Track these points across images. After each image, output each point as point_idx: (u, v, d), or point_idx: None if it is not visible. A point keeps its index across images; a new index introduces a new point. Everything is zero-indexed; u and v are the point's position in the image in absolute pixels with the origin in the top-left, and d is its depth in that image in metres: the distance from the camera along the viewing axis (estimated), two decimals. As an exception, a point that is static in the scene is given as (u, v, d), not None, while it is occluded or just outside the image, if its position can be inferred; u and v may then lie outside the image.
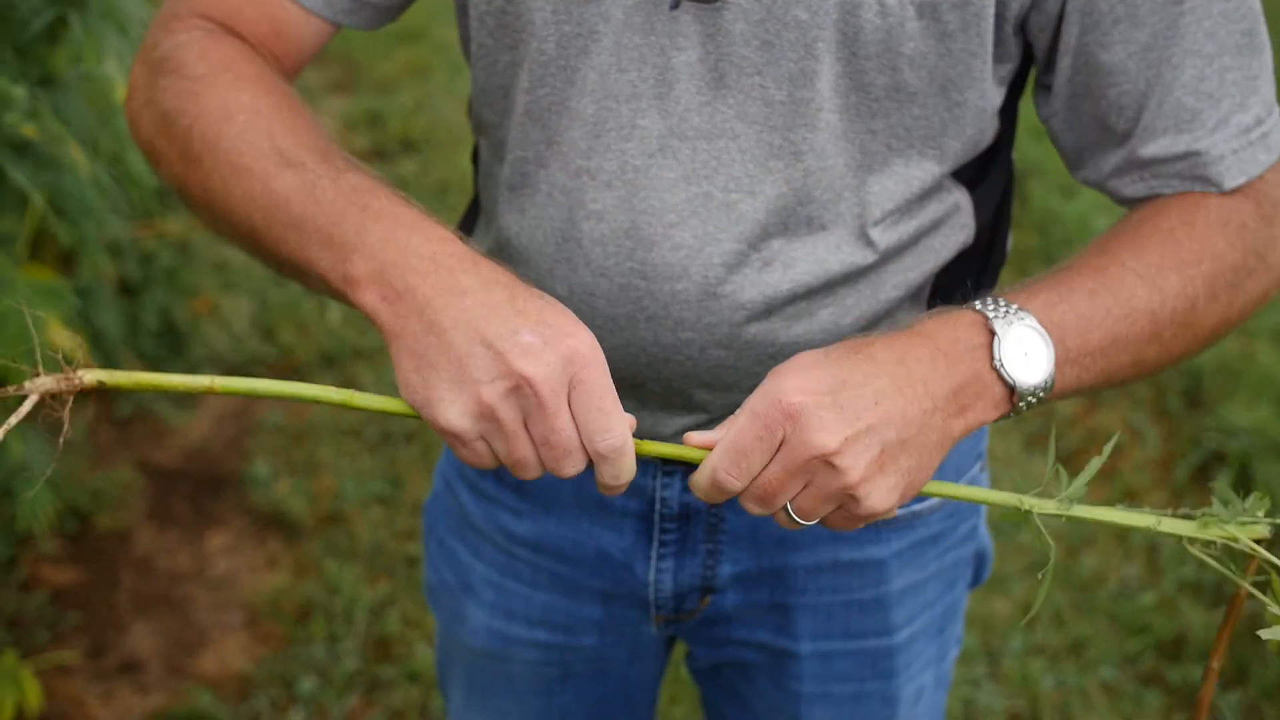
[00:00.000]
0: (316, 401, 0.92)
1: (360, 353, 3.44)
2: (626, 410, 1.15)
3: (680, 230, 1.05)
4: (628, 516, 1.22)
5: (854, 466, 0.90)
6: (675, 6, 1.00)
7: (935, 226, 1.12)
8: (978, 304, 0.97)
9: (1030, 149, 3.81)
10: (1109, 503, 3.10)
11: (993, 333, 0.95)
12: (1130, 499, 2.94)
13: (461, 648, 1.37)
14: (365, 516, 2.95)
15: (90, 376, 0.90)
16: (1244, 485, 2.87)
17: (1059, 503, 0.98)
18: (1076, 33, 1.03)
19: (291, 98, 1.07)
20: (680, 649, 1.43)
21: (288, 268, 1.01)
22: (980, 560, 1.36)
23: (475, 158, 1.26)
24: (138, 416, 3.23)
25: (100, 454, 3.13)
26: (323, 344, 3.46)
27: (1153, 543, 2.83)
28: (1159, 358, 1.04)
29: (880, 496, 0.92)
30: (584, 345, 0.90)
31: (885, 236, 1.09)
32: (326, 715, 2.51)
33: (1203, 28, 1.01)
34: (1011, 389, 0.96)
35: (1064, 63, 1.05)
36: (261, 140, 1.01)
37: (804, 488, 0.91)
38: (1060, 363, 0.97)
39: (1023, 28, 1.05)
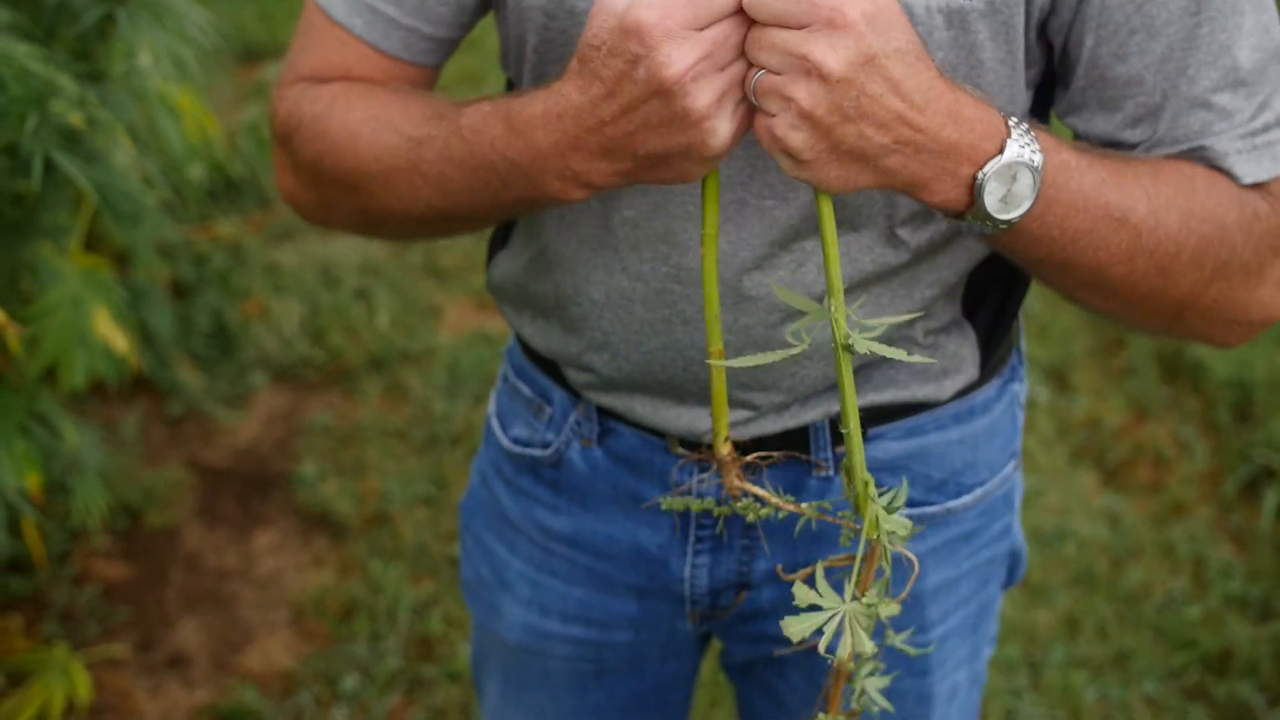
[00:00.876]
0: None
1: (409, 356, 3.47)
2: (666, 410, 1.17)
3: None
4: (664, 512, 1.23)
5: (831, 98, 0.88)
6: None
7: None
8: (1011, 119, 0.95)
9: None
10: (1157, 516, 3.08)
11: (1001, 149, 0.94)
12: (1177, 513, 2.93)
13: (497, 643, 1.39)
14: (410, 517, 2.98)
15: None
16: (1294, 500, 2.85)
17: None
18: (1091, 43, 1.02)
19: (392, 89, 1.12)
20: (715, 648, 1.44)
21: (488, 212, 1.08)
22: (1014, 559, 1.36)
23: None
24: (189, 416, 3.28)
25: (151, 452, 3.17)
26: (371, 347, 3.49)
27: (1200, 556, 2.80)
28: (1119, 282, 1.02)
29: (801, 139, 0.90)
30: None
31: (915, 236, 1.09)
32: (369, 713, 2.53)
33: (1218, 39, 1.01)
34: (973, 199, 0.95)
35: (1079, 73, 1.05)
36: (390, 138, 1.07)
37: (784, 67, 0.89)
38: (1032, 216, 0.97)
39: (1043, 31, 1.05)
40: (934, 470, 1.21)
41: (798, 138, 0.89)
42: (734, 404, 1.14)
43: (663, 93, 0.90)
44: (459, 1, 1.15)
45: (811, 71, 0.87)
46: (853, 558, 0.96)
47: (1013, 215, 0.96)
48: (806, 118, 0.88)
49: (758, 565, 1.24)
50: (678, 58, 0.88)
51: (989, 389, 1.24)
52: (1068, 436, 3.14)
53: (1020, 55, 1.03)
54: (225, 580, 2.87)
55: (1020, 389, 1.29)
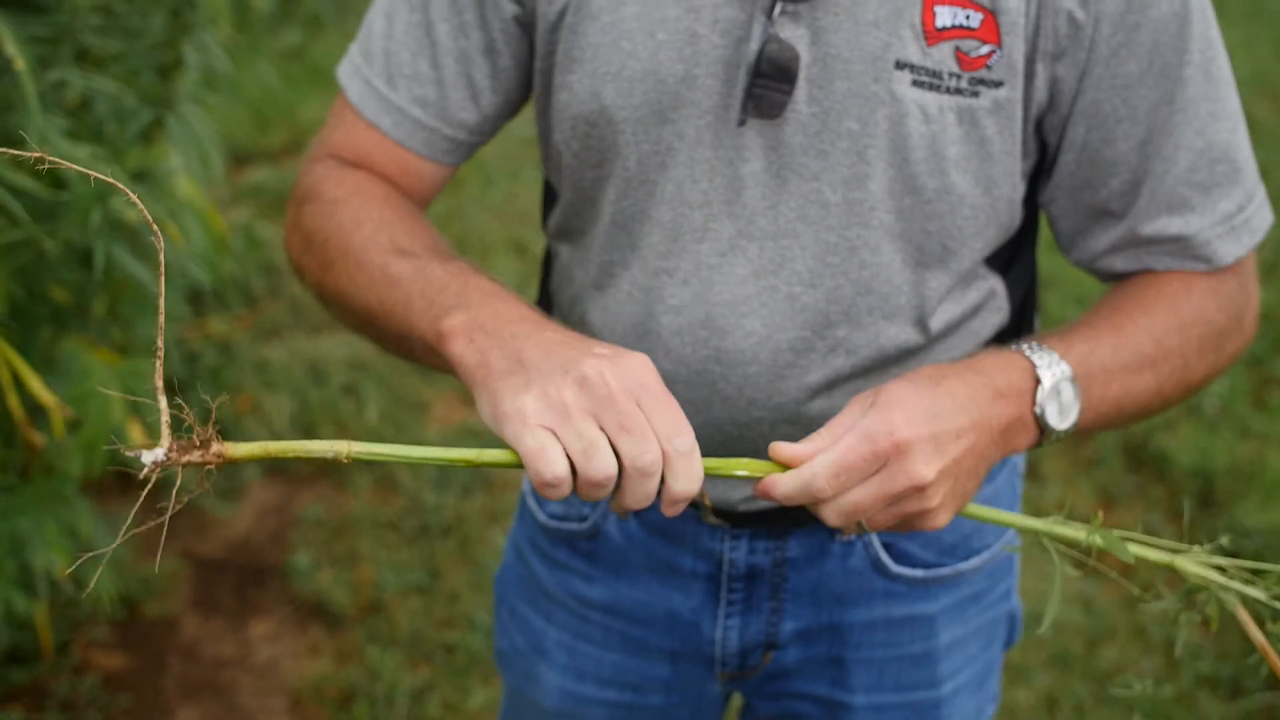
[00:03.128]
0: (449, 464, 0.95)
1: (398, 450, 3.54)
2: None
3: (750, 320, 1.18)
4: (697, 578, 1.33)
5: (938, 495, 1.01)
6: (742, 124, 1.13)
7: (976, 310, 1.25)
8: (1026, 349, 1.11)
9: (1044, 261, 3.94)
10: (1128, 599, 3.18)
11: (1038, 380, 1.09)
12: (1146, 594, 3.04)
13: (533, 709, 1.47)
14: (404, 605, 3.04)
15: (230, 450, 0.94)
16: (1257, 584, 2.96)
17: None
18: (1083, 131, 1.16)
19: (413, 210, 1.22)
20: (734, 705, 1.52)
21: (396, 340, 1.13)
22: (1012, 621, 1.46)
23: (548, 262, 1.38)
24: (183, 510, 3.33)
25: (147, 544, 3.23)
26: (359, 440, 3.56)
27: (1171, 638, 2.91)
28: (1157, 406, 1.20)
29: (944, 517, 1.03)
30: (646, 359, 0.97)
31: (937, 321, 1.21)
32: (370, 797, 2.58)
33: (1193, 126, 1.15)
34: (1043, 430, 1.10)
35: (1068, 156, 1.19)
36: (384, 240, 1.15)
37: (886, 507, 1.01)
38: (1083, 410, 1.11)
39: (1039, 126, 1.18)
40: (946, 534, 1.32)
41: (943, 517, 1.04)
42: None
43: None
44: (481, 110, 1.25)
45: (910, 493, 1.01)
46: None
47: (1073, 420, 1.11)
48: (933, 511, 1.03)
49: (785, 626, 1.34)
50: None
51: (994, 459, 1.36)
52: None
53: (1019, 147, 1.16)
54: (223, 669, 2.92)
55: (1019, 459, 1.41)
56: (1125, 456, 3.47)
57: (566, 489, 0.94)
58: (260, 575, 3.18)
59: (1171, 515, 3.28)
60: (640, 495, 0.95)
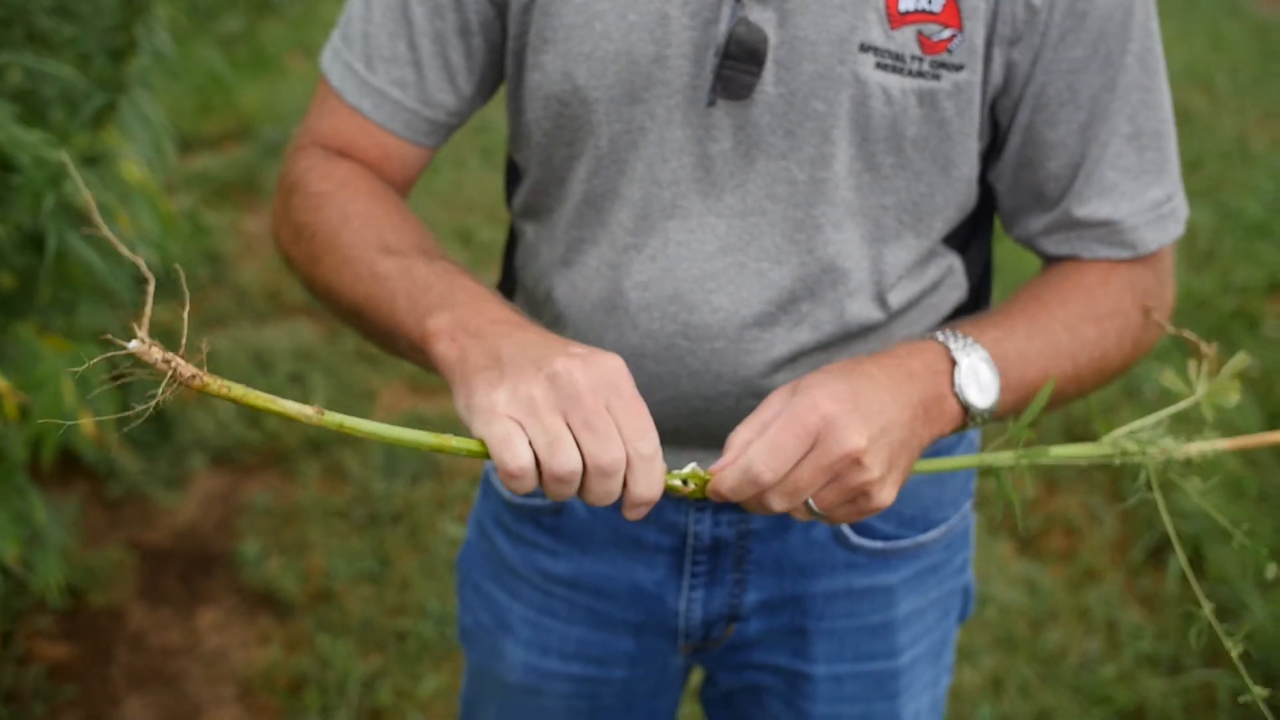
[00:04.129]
0: (416, 446, 0.96)
1: (345, 438, 3.53)
2: (668, 455, 1.28)
3: (717, 295, 1.20)
4: (661, 551, 1.34)
5: (875, 464, 1.03)
6: (711, 104, 1.15)
7: (935, 286, 1.28)
8: (939, 335, 1.14)
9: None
10: (1072, 581, 3.24)
11: (953, 361, 1.12)
12: (1090, 578, 3.09)
13: (497, 684, 1.48)
14: (355, 593, 3.04)
15: (208, 379, 0.91)
16: (1196, 566, 3.02)
17: (1015, 454, 1.14)
18: (1029, 114, 1.20)
19: (399, 205, 1.23)
20: (695, 680, 1.54)
21: (382, 336, 1.16)
22: (967, 594, 1.49)
23: (512, 240, 1.39)
24: (128, 498, 3.31)
25: (92, 533, 3.20)
26: (308, 430, 3.55)
27: (1112, 619, 2.96)
28: (1077, 391, 1.23)
29: (888, 491, 1.05)
30: (621, 361, 0.99)
31: (897, 298, 1.24)
32: (322, 783, 2.58)
33: (1125, 113, 1.19)
34: (966, 409, 1.12)
35: (1015, 139, 1.22)
36: (371, 236, 1.17)
37: (827, 483, 1.03)
38: (1003, 390, 1.14)
39: (992, 108, 1.21)
40: (906, 507, 1.34)
41: (887, 491, 1.05)
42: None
43: None
44: (458, 91, 1.27)
45: (847, 462, 1.02)
46: None
47: (994, 398, 1.14)
48: (876, 483, 1.04)
49: (748, 598, 1.36)
50: None
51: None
52: (984, 508, 3.30)
53: (977, 128, 1.19)
54: (171, 658, 2.90)
55: (976, 434, 1.43)
56: (1066, 439, 3.52)
57: (530, 481, 0.96)
58: (207, 564, 3.16)
59: (1113, 498, 3.34)
60: (601, 494, 0.97)
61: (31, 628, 2.89)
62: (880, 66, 1.14)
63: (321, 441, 3.52)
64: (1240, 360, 1.17)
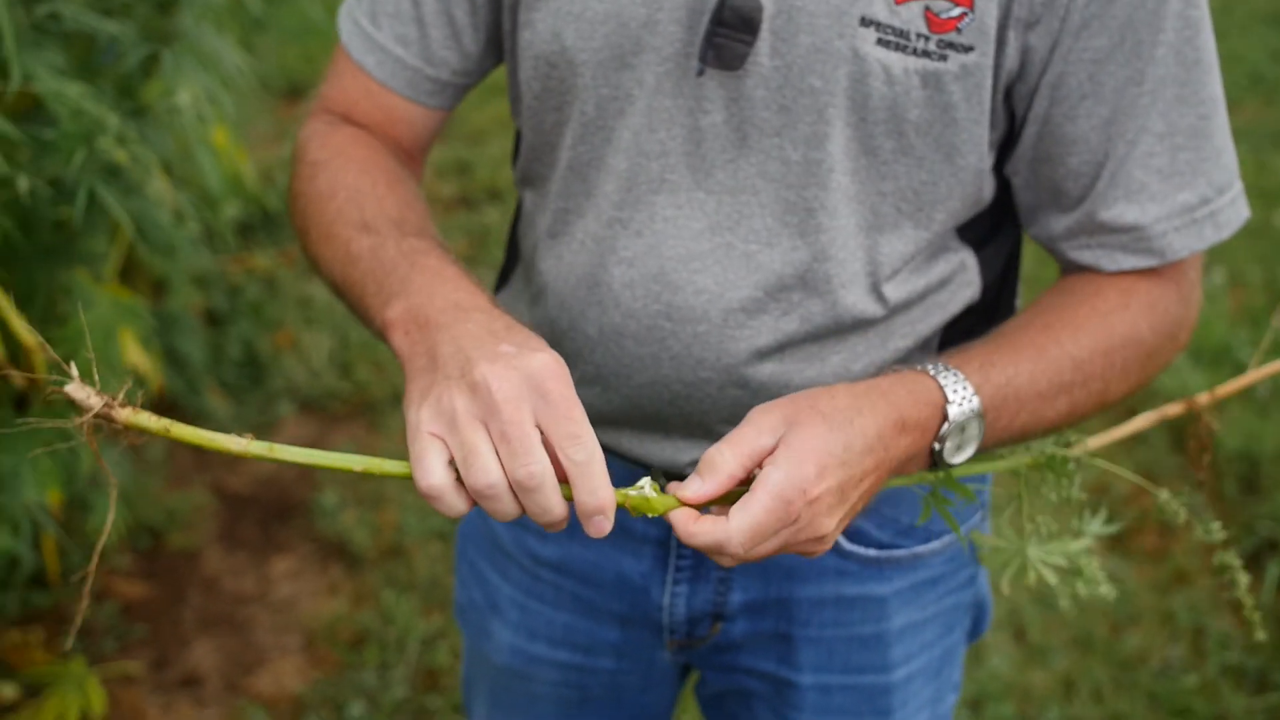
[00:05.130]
0: (346, 470, 0.93)
1: (432, 393, 3.54)
2: (651, 443, 1.23)
3: (703, 276, 1.14)
4: (647, 542, 1.29)
5: (830, 538, 0.99)
6: (701, 73, 1.09)
7: (942, 283, 1.20)
8: (942, 376, 1.06)
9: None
10: (1159, 583, 3.11)
11: (945, 417, 1.05)
12: (1179, 581, 2.96)
13: (487, 665, 1.45)
14: (424, 551, 3.04)
15: (125, 415, 0.88)
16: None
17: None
18: (1046, 105, 1.11)
19: (390, 174, 1.19)
20: (692, 680, 1.49)
21: (361, 319, 1.13)
22: (979, 610, 1.41)
23: (517, 212, 1.35)
24: (215, 443, 3.35)
25: (177, 476, 3.25)
26: (396, 382, 3.57)
27: (1200, 625, 2.83)
28: (1067, 424, 1.17)
29: (830, 544, 1.01)
30: (551, 359, 0.92)
31: (895, 292, 1.16)
32: (372, 739, 2.59)
33: (1157, 109, 1.09)
34: (935, 461, 1.07)
35: (1031, 130, 1.13)
36: (352, 212, 1.14)
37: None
38: (984, 437, 1.09)
39: (1008, 95, 1.12)
40: (903, 515, 1.27)
41: (827, 548, 1.01)
42: (713, 437, 1.20)
43: None
44: (463, 49, 1.23)
45: (809, 542, 0.98)
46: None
47: (967, 456, 1.09)
48: (821, 547, 1.00)
49: (733, 597, 1.30)
50: None
51: (959, 439, 1.30)
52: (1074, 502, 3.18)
53: (988, 116, 1.10)
54: (242, 604, 2.94)
55: None
56: (1169, 435, 3.37)
57: (451, 499, 0.91)
58: (286, 512, 3.19)
59: (1213, 498, 3.19)
60: (537, 509, 0.91)
61: (109, 565, 2.95)
62: (882, 43, 1.06)
63: (408, 396, 3.52)
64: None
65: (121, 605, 2.88)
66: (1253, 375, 1.23)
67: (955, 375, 1.07)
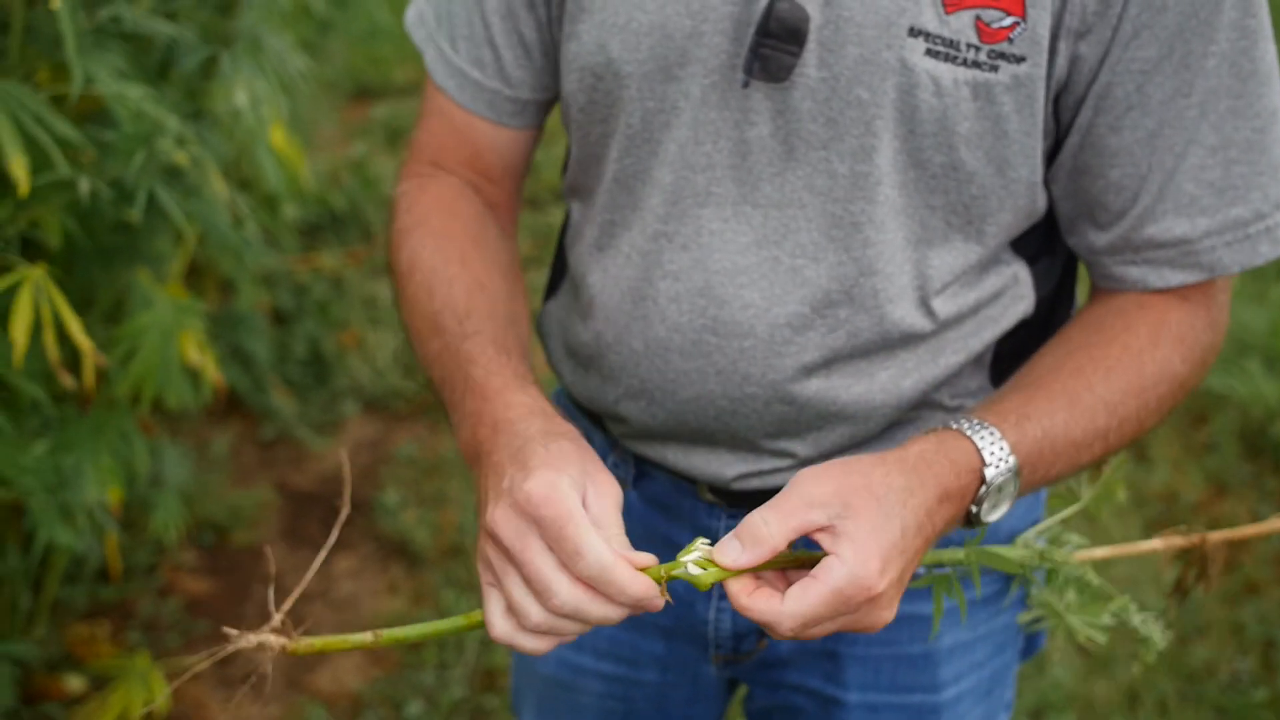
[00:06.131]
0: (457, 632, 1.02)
1: (494, 393, 3.55)
2: (697, 457, 1.22)
3: (750, 290, 1.12)
4: (693, 555, 1.28)
5: (891, 617, 0.99)
6: (746, 85, 1.07)
7: (994, 297, 1.18)
8: (977, 439, 1.05)
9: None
10: (1229, 594, 3.05)
11: (983, 480, 1.05)
12: (1250, 592, 2.90)
13: (535, 674, 1.45)
14: (484, 551, 3.05)
15: (302, 645, 1.02)
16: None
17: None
18: (1091, 115, 1.08)
19: (464, 243, 1.22)
20: (739, 695, 1.48)
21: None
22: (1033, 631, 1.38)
23: (565, 223, 1.35)
24: (280, 440, 3.39)
25: (241, 473, 3.29)
26: (459, 382, 3.57)
27: (1270, 637, 2.77)
28: (1099, 462, 1.16)
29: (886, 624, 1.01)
30: (538, 486, 0.95)
31: (945, 306, 1.14)
32: (430, 739, 2.60)
33: (1208, 121, 1.06)
34: (969, 519, 1.07)
35: (1073, 140, 1.11)
36: (424, 301, 1.18)
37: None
38: (1019, 491, 1.08)
39: (1056, 105, 1.10)
40: (953, 535, 1.25)
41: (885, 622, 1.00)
42: (760, 451, 1.19)
43: None
44: (535, 66, 1.23)
45: (867, 628, 0.99)
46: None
47: (1002, 510, 1.08)
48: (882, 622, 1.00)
49: (779, 614, 1.28)
50: None
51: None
52: (1143, 508, 3.12)
53: (1040, 127, 1.08)
54: (304, 601, 2.96)
55: None
56: (1241, 443, 3.31)
57: (523, 642, 0.99)
58: (349, 510, 3.21)
59: (1285, 506, 3.13)
60: (593, 622, 0.97)
61: (174, 561, 2.98)
62: (931, 54, 1.04)
63: (471, 395, 3.53)
64: (1120, 463, 1.18)
65: (185, 601, 2.91)
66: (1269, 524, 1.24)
67: (992, 434, 1.05)
